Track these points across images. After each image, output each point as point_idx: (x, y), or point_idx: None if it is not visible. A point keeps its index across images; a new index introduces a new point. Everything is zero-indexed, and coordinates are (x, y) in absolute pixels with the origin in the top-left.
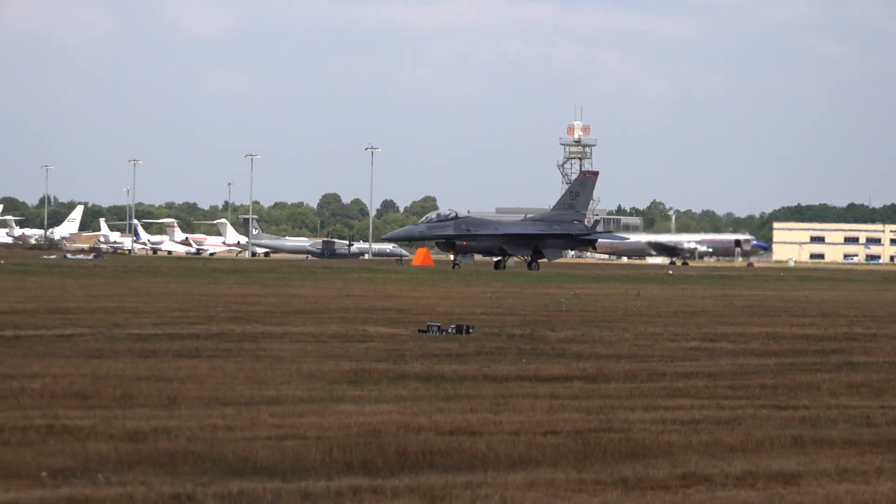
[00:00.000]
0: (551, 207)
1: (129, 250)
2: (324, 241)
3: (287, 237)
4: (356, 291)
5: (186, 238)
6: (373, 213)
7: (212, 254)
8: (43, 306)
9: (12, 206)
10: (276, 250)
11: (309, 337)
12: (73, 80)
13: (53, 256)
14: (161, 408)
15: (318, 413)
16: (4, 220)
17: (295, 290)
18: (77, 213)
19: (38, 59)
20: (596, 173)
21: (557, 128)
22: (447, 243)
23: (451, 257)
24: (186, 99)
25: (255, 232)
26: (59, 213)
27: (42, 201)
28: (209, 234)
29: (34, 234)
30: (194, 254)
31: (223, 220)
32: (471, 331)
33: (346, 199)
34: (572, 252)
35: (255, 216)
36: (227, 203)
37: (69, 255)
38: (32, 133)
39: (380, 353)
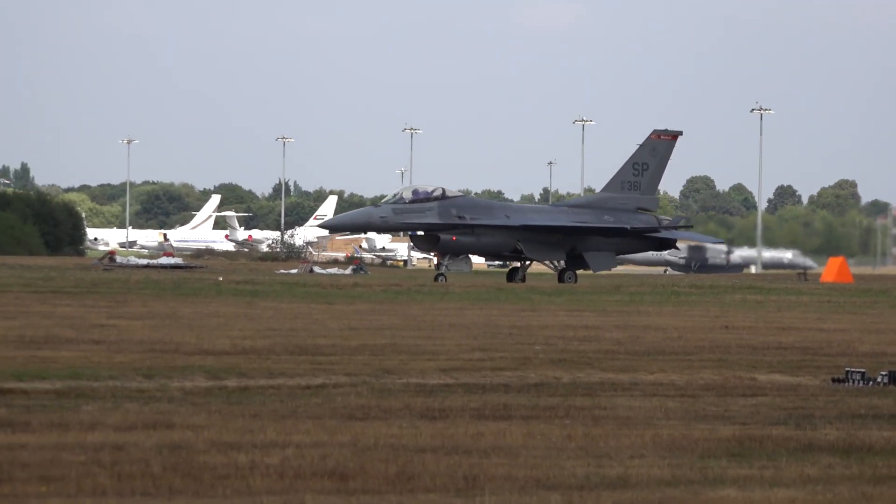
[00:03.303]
0: (602, 188)
1: (405, 261)
2: (690, 247)
3: None
4: (739, 321)
5: None
6: (762, 205)
7: None
8: (280, 344)
9: (235, 197)
10: (622, 260)
11: (670, 389)
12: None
13: (295, 270)
14: (455, 493)
15: (686, 501)
16: (224, 216)
17: (648, 318)
18: (328, 207)
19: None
20: (676, 134)
21: None
22: (428, 237)
23: (434, 260)
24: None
25: None
26: (301, 208)
27: (277, 190)
28: None
29: (266, 237)
30: (501, 265)
31: None
32: None
33: (723, 184)
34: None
35: None
36: (546, 190)
37: (317, 269)
38: (263, 101)
39: (776, 413)
